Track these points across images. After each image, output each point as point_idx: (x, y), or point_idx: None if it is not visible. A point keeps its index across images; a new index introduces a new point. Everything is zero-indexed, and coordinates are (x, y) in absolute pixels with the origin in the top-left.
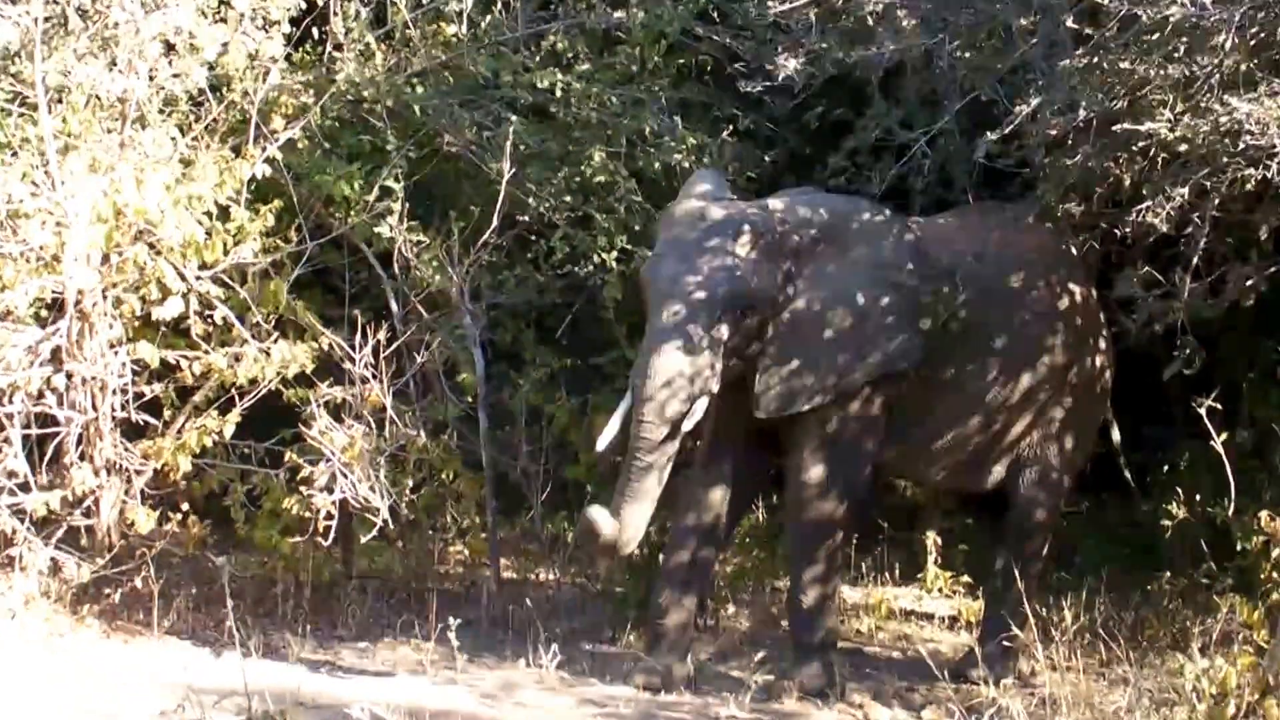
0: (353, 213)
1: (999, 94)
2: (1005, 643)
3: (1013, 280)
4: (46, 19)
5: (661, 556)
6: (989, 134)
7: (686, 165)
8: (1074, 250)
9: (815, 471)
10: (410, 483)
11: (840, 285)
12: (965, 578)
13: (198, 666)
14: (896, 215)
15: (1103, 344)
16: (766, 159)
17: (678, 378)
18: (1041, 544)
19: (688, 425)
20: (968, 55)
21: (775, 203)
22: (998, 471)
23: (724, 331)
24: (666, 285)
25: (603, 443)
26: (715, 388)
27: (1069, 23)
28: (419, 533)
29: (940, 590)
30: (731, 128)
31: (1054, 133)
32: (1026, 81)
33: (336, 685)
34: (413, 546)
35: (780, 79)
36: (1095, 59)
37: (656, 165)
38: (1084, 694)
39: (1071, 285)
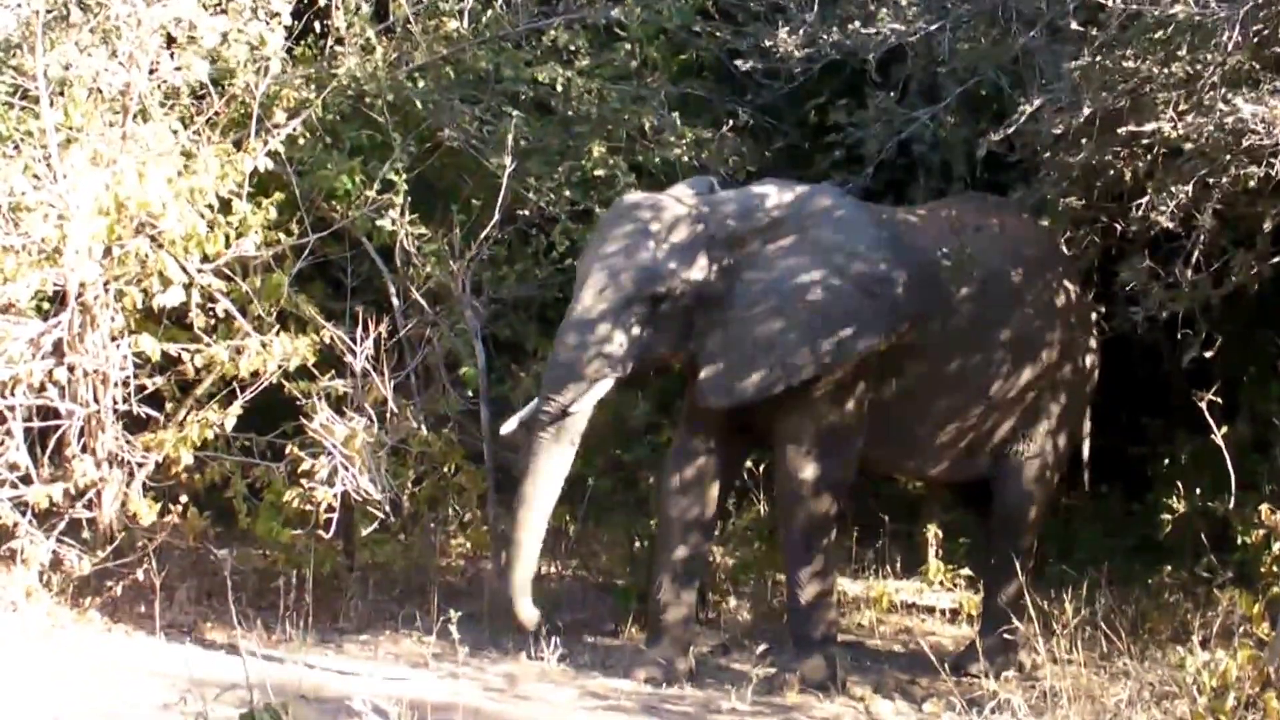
0: (354, 206)
1: (1000, 81)
2: (1004, 636)
3: (994, 271)
4: (48, 11)
5: (654, 552)
6: (991, 134)
7: (686, 160)
8: (1060, 244)
9: (803, 465)
10: (412, 476)
11: (787, 274)
12: (966, 571)
13: (199, 659)
14: (857, 204)
15: (1089, 337)
16: (766, 154)
17: (578, 360)
18: (1030, 536)
19: (583, 405)
20: (967, 45)
21: (725, 194)
22: (983, 463)
23: (634, 320)
24: (584, 274)
25: (509, 426)
26: (622, 373)
27: (1072, 23)
28: (420, 526)
29: (941, 583)
30: (731, 122)
31: (1057, 131)
32: (1028, 69)
33: (338, 678)
34: (414, 539)
35: (778, 59)
36: (1098, 57)
37: (656, 160)
38: (1085, 687)
39: (1057, 278)
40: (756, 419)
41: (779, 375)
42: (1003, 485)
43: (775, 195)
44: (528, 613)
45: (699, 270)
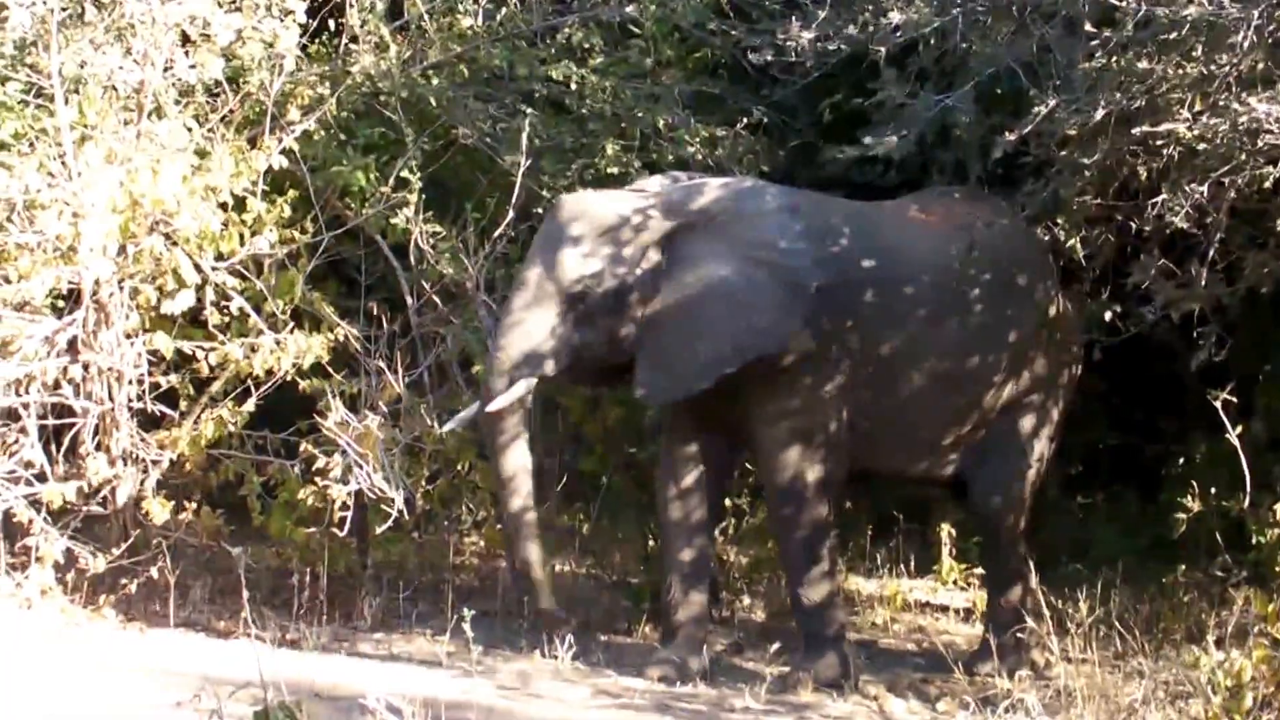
0: (368, 204)
1: (1016, 78)
2: (1017, 635)
3: (957, 267)
4: (63, 9)
5: (661, 553)
6: (1007, 134)
7: (700, 158)
8: (1038, 239)
9: (783, 466)
10: (426, 474)
11: (711, 268)
12: (980, 570)
13: (213, 657)
14: (787, 197)
15: (1068, 333)
16: (780, 151)
17: (503, 360)
18: (1010, 535)
19: (502, 402)
20: (981, 40)
21: (662, 190)
22: (956, 460)
23: (557, 319)
24: (520, 274)
25: (449, 425)
26: (550, 371)
27: (1086, 25)
28: (434, 524)
29: (955, 582)
30: (745, 120)
31: (1072, 132)
32: (1043, 66)
33: (352, 676)
34: (428, 538)
35: (792, 54)
36: (1113, 57)
37: (670, 158)
38: (1099, 686)
39: (1030, 274)
40: (731, 419)
41: (703, 370)
42: (979, 485)
43: (704, 190)
44: (554, 605)
45: (623, 268)
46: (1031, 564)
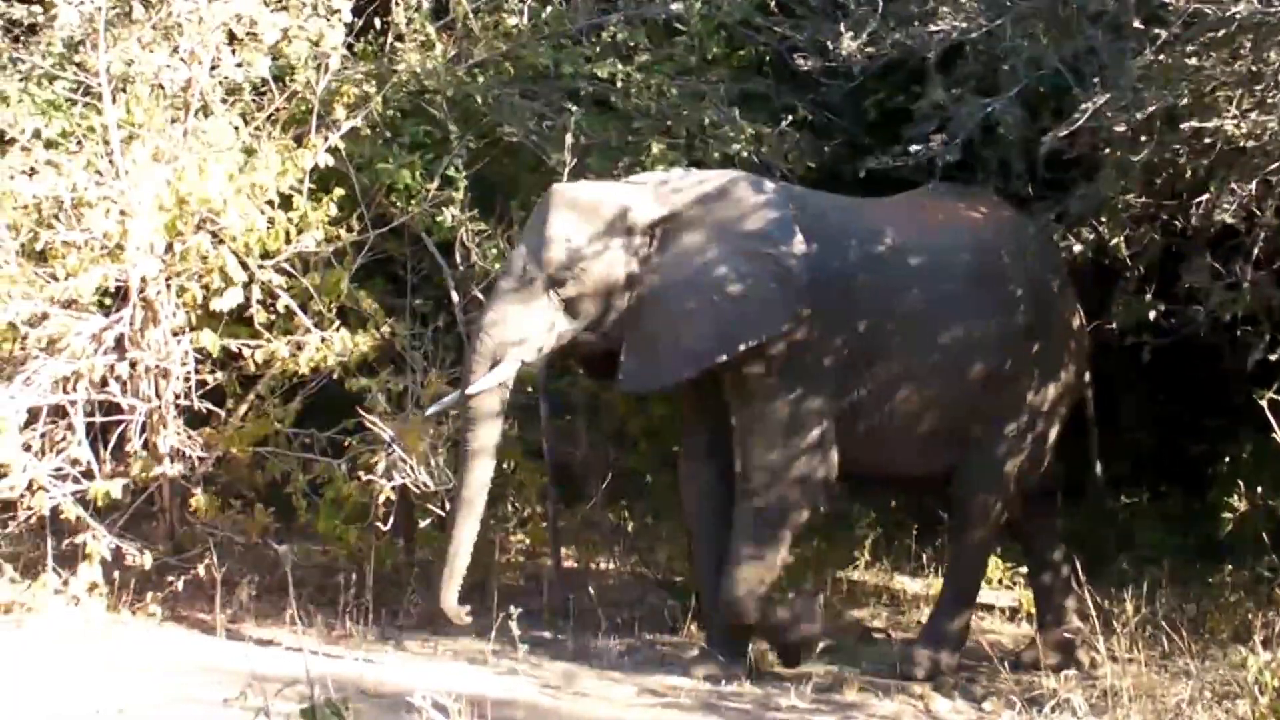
0: (414, 202)
1: (1061, 78)
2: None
3: (952, 263)
4: (111, 8)
5: (693, 553)
6: (1054, 132)
7: (745, 155)
8: (1046, 236)
9: (759, 456)
10: None
11: (699, 258)
12: (1025, 569)
13: (260, 655)
14: (776, 190)
15: (1069, 331)
16: (825, 149)
17: (486, 341)
18: (983, 534)
19: (482, 386)
20: (1027, 43)
21: (654, 181)
22: (944, 457)
23: (539, 306)
24: (507, 260)
25: (431, 410)
26: (531, 357)
27: (1135, 21)
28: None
29: (1000, 581)
30: (790, 118)
31: (1119, 129)
32: (1089, 66)
33: (398, 674)
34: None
35: (839, 60)
36: (1160, 55)
37: (715, 156)
38: (1145, 686)
39: (1030, 271)
40: (718, 413)
41: (687, 360)
42: (959, 481)
43: (695, 181)
44: (454, 606)
45: (610, 256)
46: (1077, 562)
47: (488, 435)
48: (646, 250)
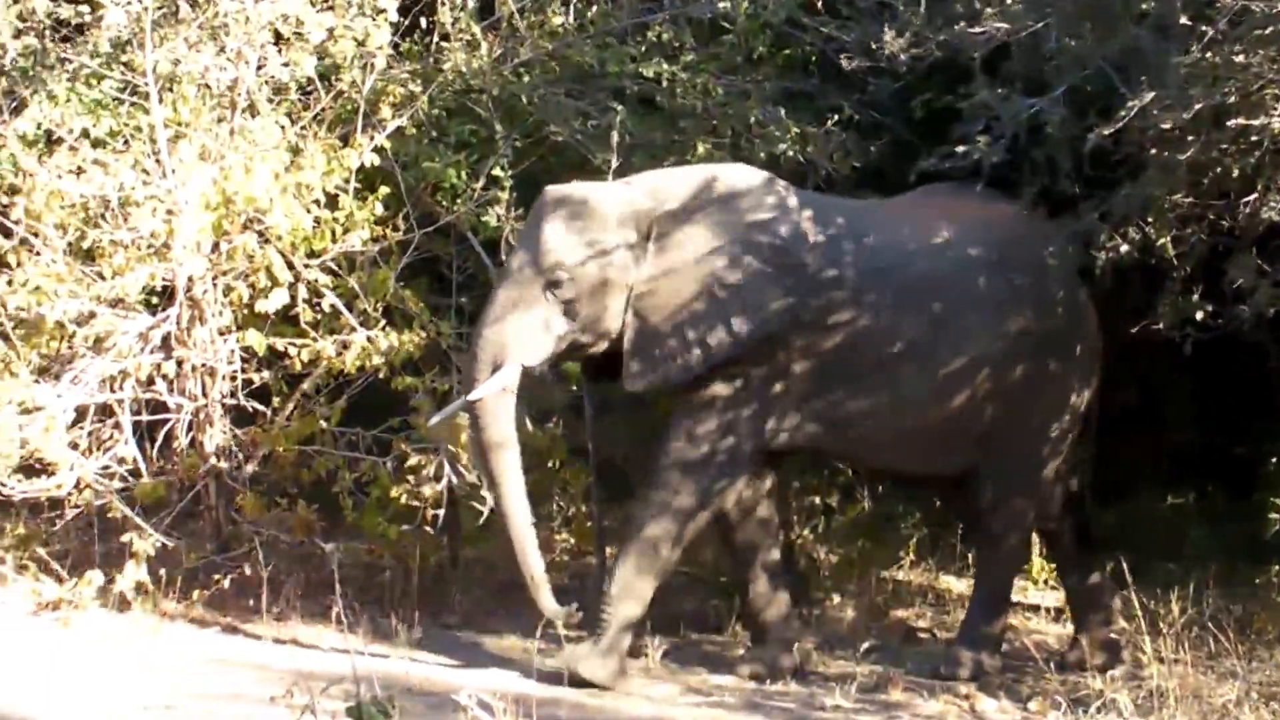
0: (459, 201)
1: (1107, 77)
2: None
3: (950, 262)
4: (157, 8)
5: (731, 558)
6: (1099, 129)
7: (791, 154)
8: (1056, 237)
9: (675, 447)
10: None
11: (696, 253)
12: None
13: (306, 653)
14: (772, 186)
15: (1080, 330)
16: (872, 149)
17: (486, 346)
18: (1007, 539)
19: (484, 391)
20: (1073, 42)
21: (647, 180)
22: (954, 459)
23: (537, 308)
24: (506, 263)
25: (434, 420)
26: (532, 360)
27: (1181, 19)
28: None
29: (1046, 581)
30: (836, 117)
31: (1166, 126)
32: (1135, 66)
33: (444, 672)
34: None
35: (885, 60)
36: (1207, 53)
37: (761, 155)
38: (1192, 687)
39: (1035, 271)
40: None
41: (695, 357)
42: (977, 485)
43: (684, 177)
44: (556, 608)
45: (607, 255)
46: (1124, 563)
47: (501, 431)
48: (643, 249)
